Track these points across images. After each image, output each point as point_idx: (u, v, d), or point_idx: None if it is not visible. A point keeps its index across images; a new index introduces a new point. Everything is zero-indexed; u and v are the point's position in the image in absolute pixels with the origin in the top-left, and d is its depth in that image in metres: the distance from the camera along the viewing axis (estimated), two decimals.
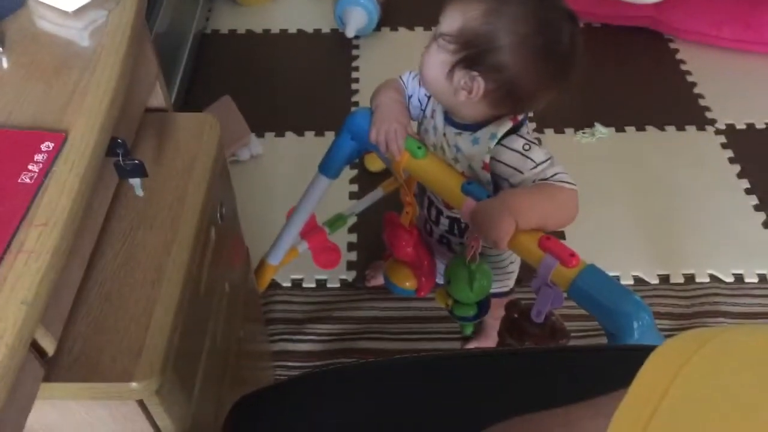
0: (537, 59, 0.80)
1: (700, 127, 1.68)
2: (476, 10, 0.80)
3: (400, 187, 1.07)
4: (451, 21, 0.82)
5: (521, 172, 0.84)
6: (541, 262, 0.81)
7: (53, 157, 0.50)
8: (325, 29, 1.97)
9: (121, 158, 0.60)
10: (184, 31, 1.74)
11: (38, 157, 0.50)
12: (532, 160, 0.84)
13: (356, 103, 1.74)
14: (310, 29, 1.98)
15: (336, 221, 1.23)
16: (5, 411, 0.43)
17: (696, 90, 1.77)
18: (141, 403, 0.58)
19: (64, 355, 0.56)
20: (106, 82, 0.58)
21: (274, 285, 1.37)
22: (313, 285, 1.39)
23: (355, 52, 1.90)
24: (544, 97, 0.85)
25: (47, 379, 0.54)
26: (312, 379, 0.71)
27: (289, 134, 1.68)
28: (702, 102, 1.74)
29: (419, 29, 1.96)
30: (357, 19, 1.87)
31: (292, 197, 1.16)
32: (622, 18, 1.88)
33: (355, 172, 1.57)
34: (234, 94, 1.66)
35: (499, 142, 0.86)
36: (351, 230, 1.46)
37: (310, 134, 1.67)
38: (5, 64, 0.59)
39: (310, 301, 1.37)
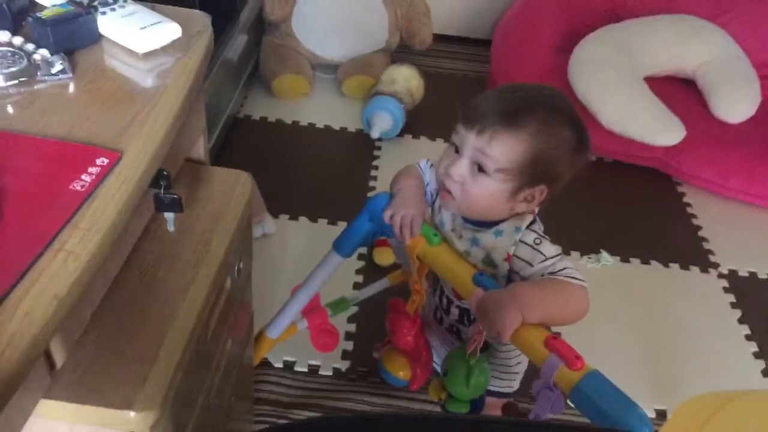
0: (577, 154, 0.86)
1: (704, 269, 1.71)
2: (526, 136, 0.82)
3: (409, 275, 1.08)
4: (504, 153, 0.82)
5: (531, 265, 0.86)
6: (545, 362, 0.81)
7: (106, 171, 0.52)
8: (351, 128, 2.07)
9: (162, 190, 0.62)
10: (219, 110, 1.83)
11: (92, 169, 0.52)
12: (542, 253, 0.86)
13: None
14: (337, 126, 2.07)
15: (339, 304, 1.23)
16: (7, 412, 0.42)
17: (701, 233, 1.82)
18: None
19: (67, 374, 0.55)
20: (164, 117, 0.61)
21: (266, 364, 1.35)
22: (305, 370, 1.36)
23: (376, 152, 1.98)
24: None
25: (46, 395, 0.53)
26: (301, 428, 0.69)
27: (303, 219, 1.71)
28: (706, 245, 1.78)
29: (440, 140, 2.05)
30: (383, 123, 1.97)
31: (296, 278, 1.16)
32: (633, 157, 1.97)
33: (362, 263, 1.58)
34: (255, 174, 1.68)
35: None
36: (350, 320, 1.45)
37: (323, 222, 1.71)
38: (72, 88, 0.63)
39: (300, 386, 1.34)
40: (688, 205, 1.91)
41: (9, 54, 0.63)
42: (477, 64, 2.45)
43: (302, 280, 1.13)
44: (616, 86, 1.95)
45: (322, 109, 2.13)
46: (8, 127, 0.56)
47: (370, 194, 1.82)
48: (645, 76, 2.05)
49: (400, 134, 2.03)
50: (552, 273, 0.84)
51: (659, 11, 2.18)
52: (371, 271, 1.56)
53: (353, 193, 1.81)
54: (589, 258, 1.69)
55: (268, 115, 2.08)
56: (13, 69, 0.61)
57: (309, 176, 1.86)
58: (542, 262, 0.85)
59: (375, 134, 1.97)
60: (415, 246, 0.95)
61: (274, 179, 1.79)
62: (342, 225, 1.69)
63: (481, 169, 0.84)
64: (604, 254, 1.70)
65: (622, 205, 1.89)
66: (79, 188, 0.50)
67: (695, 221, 1.86)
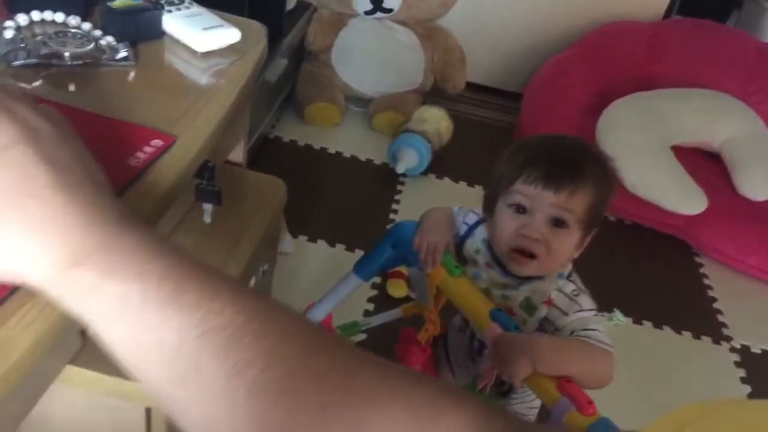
0: (612, 193, 0.90)
1: (716, 341, 1.70)
2: (590, 185, 0.85)
3: (422, 308, 1.09)
4: (583, 205, 0.85)
5: (566, 315, 0.86)
6: (556, 404, 0.80)
7: (160, 152, 0.54)
8: (377, 161, 2.10)
9: (205, 180, 0.64)
10: (252, 127, 1.86)
11: (147, 149, 0.54)
12: (579, 304, 0.86)
13: None
14: (363, 157, 2.10)
15: (350, 328, 1.23)
16: (38, 367, 0.43)
17: (716, 305, 1.81)
18: (147, 413, 0.57)
19: (93, 343, 0.56)
20: (216, 111, 0.63)
21: None
22: None
23: (399, 187, 2.00)
24: None
25: (71, 360, 0.54)
26: None
27: (321, 242, 1.72)
28: (720, 318, 1.77)
29: (463, 183, 2.07)
30: (409, 159, 2.00)
31: (310, 299, 1.16)
32: (654, 222, 1.98)
33: (375, 292, 1.59)
34: None
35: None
36: (357, 345, 1.45)
37: (341, 247, 1.72)
38: (133, 75, 0.66)
39: None
40: (705, 276, 1.90)
41: (78, 35, 0.66)
42: (506, 114, 2.49)
43: (316, 300, 1.14)
44: (642, 151, 1.97)
45: (350, 140, 2.17)
46: (72, 102, 0.58)
47: (390, 226, 1.83)
48: (671, 145, 2.07)
49: (425, 173, 2.05)
50: (584, 329, 0.84)
51: (688, 86, 2.21)
52: (383, 300, 1.56)
53: (373, 224, 1.82)
54: (603, 316, 1.68)
55: (298, 139, 2.12)
56: (79, 50, 0.64)
57: (331, 202, 1.89)
58: (578, 312, 0.85)
59: (400, 169, 2.00)
60: (436, 276, 0.96)
61: (297, 201, 1.79)
62: (359, 252, 1.70)
63: (557, 224, 0.84)
64: (618, 314, 1.69)
65: (639, 267, 1.89)
66: (134, 164, 0.52)
67: (711, 293, 1.85)
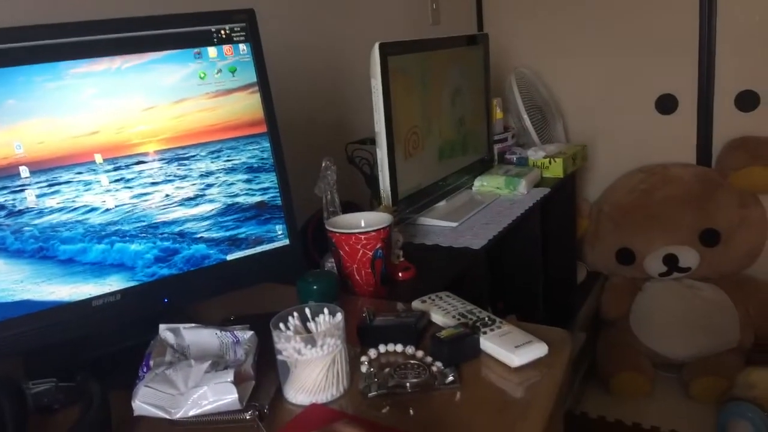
0: None
1: None
2: None
3: None
4: None
5: None
6: None
7: None
8: None
9: None
10: None
11: None
12: None
13: None
14: None
15: None
16: None
17: None
18: None
19: None
20: (533, 429, 0.68)
21: None
22: None
23: None
24: None
25: None
26: None
27: None
28: None
29: None
30: None
31: None
32: None
33: None
34: None
35: None
36: None
37: None
38: (459, 396, 0.76)
39: None
40: None
41: (416, 366, 0.79)
42: None
43: None
44: None
45: (666, 412, 1.99)
46: (411, 427, 0.69)
47: None
48: None
49: None
50: None
51: None
52: None
53: None
54: None
55: (606, 414, 2.01)
56: (416, 380, 0.77)
57: None
58: None
59: None
60: None
61: None
62: None
63: None
64: None
65: None
66: None
67: None
